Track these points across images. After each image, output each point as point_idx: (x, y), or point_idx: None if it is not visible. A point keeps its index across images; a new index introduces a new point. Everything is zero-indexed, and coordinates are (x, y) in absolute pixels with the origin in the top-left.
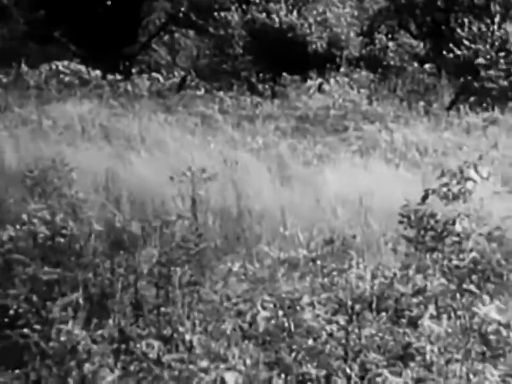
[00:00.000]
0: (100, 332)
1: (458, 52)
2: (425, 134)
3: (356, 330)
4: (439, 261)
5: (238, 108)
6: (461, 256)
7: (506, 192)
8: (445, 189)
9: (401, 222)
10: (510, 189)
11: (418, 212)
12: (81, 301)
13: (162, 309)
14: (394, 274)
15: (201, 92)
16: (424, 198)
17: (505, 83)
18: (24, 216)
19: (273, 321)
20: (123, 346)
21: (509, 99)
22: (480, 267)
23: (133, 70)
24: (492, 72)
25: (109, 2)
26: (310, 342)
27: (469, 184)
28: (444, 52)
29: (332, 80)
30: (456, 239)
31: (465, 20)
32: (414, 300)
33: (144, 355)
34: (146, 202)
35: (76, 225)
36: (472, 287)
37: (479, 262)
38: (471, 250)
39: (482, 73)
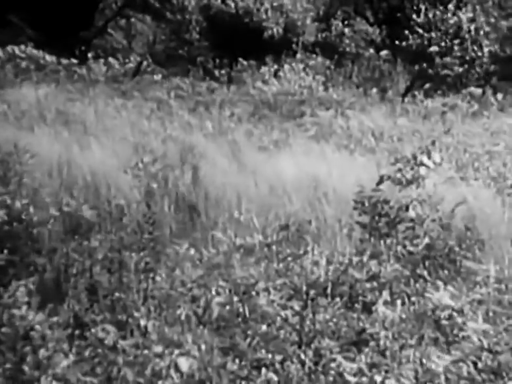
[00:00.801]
0: (54, 317)
1: (413, 39)
2: (380, 120)
3: (311, 316)
4: (393, 247)
5: (194, 94)
6: (415, 242)
7: (460, 178)
8: (399, 175)
9: (355, 208)
10: (464, 174)
11: (372, 198)
12: (35, 286)
13: (117, 295)
14: (349, 260)
15: (158, 77)
16: (379, 183)
17: (460, 70)
18: None
19: (228, 307)
20: (78, 331)
21: (464, 86)
22: (434, 253)
23: (89, 55)
24: (446, 59)
25: None
26: (265, 327)
27: (422, 170)
28: (399, 39)
29: (287, 66)
30: (409, 225)
31: (421, 7)
32: (368, 286)
33: (99, 341)
34: (101, 188)
35: (34, 210)
36: (425, 273)
37: (433, 248)
38: (424, 236)
39: (437, 60)
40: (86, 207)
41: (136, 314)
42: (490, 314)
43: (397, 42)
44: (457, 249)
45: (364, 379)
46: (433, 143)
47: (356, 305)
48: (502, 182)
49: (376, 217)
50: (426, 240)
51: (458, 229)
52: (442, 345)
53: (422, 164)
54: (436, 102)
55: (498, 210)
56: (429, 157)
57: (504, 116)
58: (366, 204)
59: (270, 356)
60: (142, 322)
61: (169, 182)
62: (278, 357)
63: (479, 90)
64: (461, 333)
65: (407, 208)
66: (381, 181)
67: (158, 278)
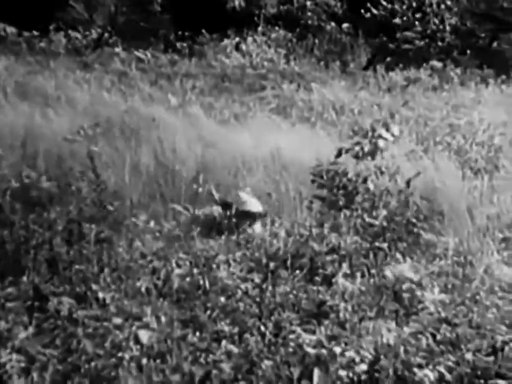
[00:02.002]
0: (14, 289)
1: (375, 12)
2: (341, 94)
3: (271, 288)
4: (352, 220)
5: (156, 66)
6: (374, 214)
7: (420, 151)
8: (357, 148)
9: (313, 181)
10: (424, 147)
11: (331, 171)
12: None
13: (77, 267)
14: (309, 232)
15: (119, 49)
16: (337, 156)
17: (421, 43)
18: None
19: (188, 279)
20: (37, 304)
21: (425, 60)
22: (393, 225)
23: (50, 27)
24: (408, 33)
25: None
26: (225, 300)
27: (381, 143)
28: (361, 12)
29: (249, 39)
30: (368, 197)
31: None
32: (328, 258)
33: (58, 312)
34: (62, 159)
35: None
36: (384, 246)
37: (392, 220)
38: (383, 208)
39: (399, 34)
40: (46, 179)
41: (95, 286)
42: (449, 286)
43: (361, 12)
44: (416, 221)
45: (324, 351)
46: (392, 116)
47: (316, 277)
48: (462, 155)
49: (335, 190)
50: (385, 212)
51: (417, 202)
52: (401, 317)
53: (380, 136)
54: (397, 75)
55: (459, 183)
56: (388, 130)
57: (464, 90)
58: (325, 177)
59: (230, 328)
60: (101, 295)
61: (128, 154)
62: (238, 329)
63: (440, 64)
64: (420, 305)
65: (365, 181)
66: (339, 153)
67: (117, 250)
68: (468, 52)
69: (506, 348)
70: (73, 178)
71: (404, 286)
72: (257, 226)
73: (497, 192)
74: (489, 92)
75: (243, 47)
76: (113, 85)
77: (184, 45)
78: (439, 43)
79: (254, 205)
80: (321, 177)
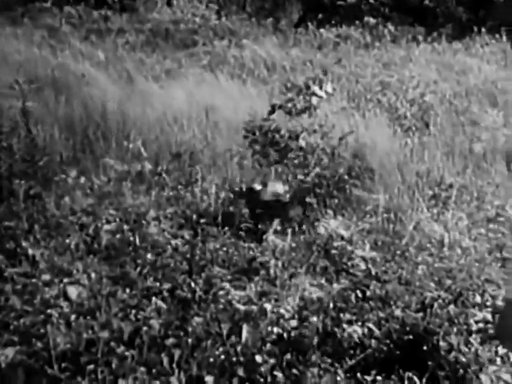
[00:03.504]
0: None
1: None
2: (273, 51)
3: (201, 245)
4: (284, 176)
5: (87, 21)
6: (305, 171)
7: (352, 108)
8: (290, 104)
9: (246, 137)
10: (356, 105)
11: (263, 127)
12: None
13: (6, 223)
14: (240, 189)
15: (48, 4)
16: (270, 113)
17: (353, 1)
18: None
19: (118, 236)
20: None
21: (357, 17)
22: (324, 182)
23: None
24: None
25: None
26: (155, 256)
27: (314, 100)
28: None
29: None
30: (300, 153)
31: None
32: (259, 214)
33: None
34: None
35: None
36: (315, 202)
37: (323, 177)
38: (314, 165)
39: None
40: None
41: (25, 243)
42: (379, 243)
43: None
44: (347, 178)
45: (253, 307)
46: (324, 73)
47: (246, 234)
48: (393, 112)
49: (267, 146)
50: (317, 169)
51: (348, 159)
52: (331, 274)
53: (313, 93)
54: (329, 32)
55: (389, 141)
56: (321, 87)
57: (396, 47)
58: (257, 133)
59: (160, 284)
60: (31, 252)
61: (60, 109)
62: (168, 286)
63: (373, 21)
64: (350, 261)
65: (297, 138)
66: (272, 110)
67: (47, 207)
68: (400, 9)
69: (435, 305)
70: (2, 134)
71: (335, 243)
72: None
73: (427, 150)
74: (420, 49)
75: (174, 2)
76: (43, 40)
77: (116, 0)
78: (371, 0)
79: None
80: (254, 133)
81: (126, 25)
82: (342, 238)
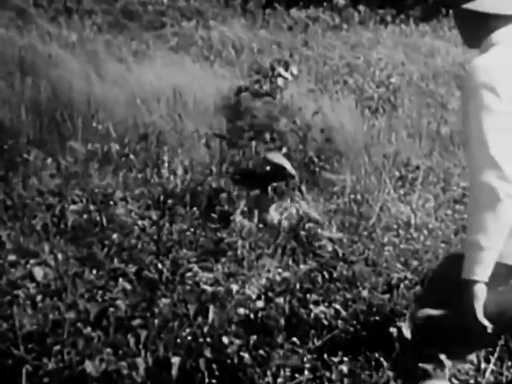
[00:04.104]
0: None
1: None
2: (241, 32)
3: (168, 226)
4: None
5: (54, 2)
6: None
7: (318, 90)
8: (257, 86)
9: (212, 119)
10: (323, 87)
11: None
12: None
13: None
14: (208, 170)
15: None
16: (237, 94)
17: None
18: None
19: (85, 216)
20: None
21: None
22: (291, 163)
23: None
24: None
25: None
26: (122, 237)
27: (280, 81)
28: None
29: None
30: (267, 135)
31: None
32: (226, 195)
33: None
34: None
35: None
36: (283, 184)
37: (290, 158)
38: (282, 146)
39: None
40: None
41: None
42: (346, 224)
43: None
44: (315, 160)
45: (220, 288)
46: (291, 54)
47: (214, 215)
48: (360, 94)
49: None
50: (284, 150)
51: (316, 140)
52: (298, 255)
53: (279, 75)
54: (297, 14)
55: (357, 122)
56: (287, 69)
57: (364, 29)
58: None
59: (127, 265)
60: None
61: (27, 90)
62: (135, 267)
63: (342, 2)
64: (317, 243)
65: (271, 119)
66: (238, 92)
67: (13, 188)
68: None
69: (401, 286)
70: None
71: (301, 224)
72: None
73: (394, 132)
74: (388, 32)
75: None
76: (11, 21)
77: None
78: None
79: None
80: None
81: (94, 6)
82: (309, 219)
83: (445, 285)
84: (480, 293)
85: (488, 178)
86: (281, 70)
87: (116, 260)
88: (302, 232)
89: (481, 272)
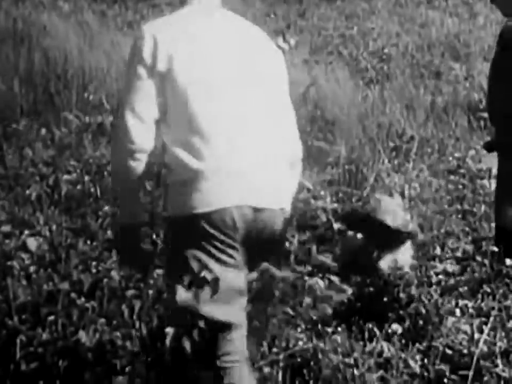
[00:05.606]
0: None
1: None
2: (236, 3)
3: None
4: None
5: None
6: None
7: (314, 61)
8: None
9: None
10: (317, 57)
11: None
12: None
13: None
14: None
15: None
16: None
17: None
18: None
19: (79, 187)
20: None
21: None
22: None
23: None
24: None
25: None
26: (116, 208)
27: None
28: None
29: None
30: None
31: None
32: None
33: None
34: None
35: None
36: None
37: None
38: None
39: None
40: None
41: None
42: (340, 195)
43: None
44: (309, 130)
45: None
46: (288, 26)
47: None
48: (354, 65)
49: None
50: None
51: (310, 110)
52: (293, 227)
53: (277, 46)
54: None
55: (351, 92)
56: (284, 40)
57: (359, 0)
58: None
59: None
60: None
61: (20, 61)
62: None
63: None
64: (311, 213)
65: None
66: None
67: (7, 158)
68: None
69: None
70: None
71: (296, 194)
72: None
73: (388, 102)
74: (383, 2)
75: None
76: None
77: None
78: None
79: None
80: None
81: None
82: (309, 190)
83: None
84: None
85: None
86: (278, 40)
87: (109, 231)
88: (299, 204)
89: None
